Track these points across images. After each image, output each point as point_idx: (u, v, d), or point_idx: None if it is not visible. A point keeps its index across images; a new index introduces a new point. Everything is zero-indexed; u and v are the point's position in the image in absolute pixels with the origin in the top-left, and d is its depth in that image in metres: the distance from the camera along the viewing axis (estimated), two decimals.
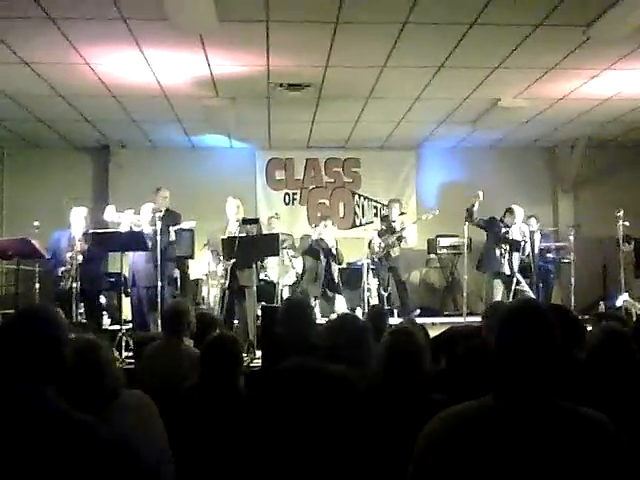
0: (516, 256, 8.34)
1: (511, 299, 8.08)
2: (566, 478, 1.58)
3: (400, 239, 8.92)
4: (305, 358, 2.86)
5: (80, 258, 7.10)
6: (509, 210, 8.49)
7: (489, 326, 3.95)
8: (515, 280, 8.23)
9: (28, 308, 2.01)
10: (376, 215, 11.02)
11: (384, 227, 9.05)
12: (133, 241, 7.08)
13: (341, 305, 8.52)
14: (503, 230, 8.31)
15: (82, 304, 7.39)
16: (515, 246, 8.29)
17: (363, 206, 11.25)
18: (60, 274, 7.26)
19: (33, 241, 7.20)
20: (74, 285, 7.03)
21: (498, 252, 8.27)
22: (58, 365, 1.85)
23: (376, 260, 8.81)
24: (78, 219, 7.41)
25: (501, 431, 1.63)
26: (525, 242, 8.35)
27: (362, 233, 9.80)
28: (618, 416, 1.74)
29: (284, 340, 3.30)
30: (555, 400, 1.68)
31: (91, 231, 7.25)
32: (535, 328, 1.71)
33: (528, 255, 8.52)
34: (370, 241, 8.79)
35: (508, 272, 8.22)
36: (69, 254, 7.22)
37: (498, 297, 8.15)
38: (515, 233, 8.34)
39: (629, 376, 2.75)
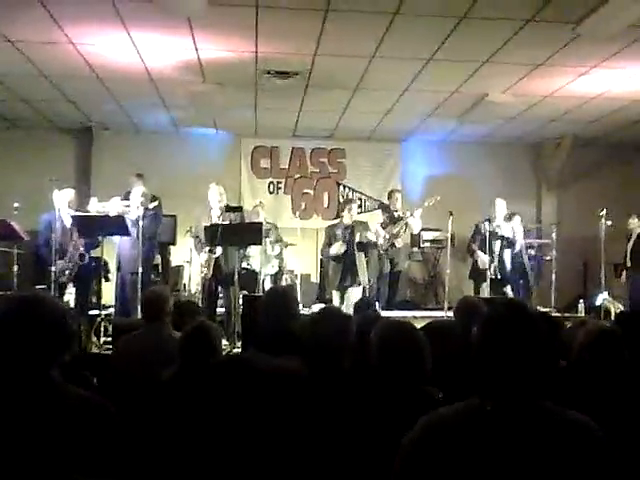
0: (507, 254, 8.35)
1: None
2: None
3: (406, 227, 8.90)
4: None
5: (81, 257, 7.07)
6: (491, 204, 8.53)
7: (463, 322, 3.94)
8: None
9: (25, 294, 2.01)
10: (360, 207, 11.01)
11: (386, 218, 9.01)
12: (114, 226, 7.03)
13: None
14: (489, 229, 8.34)
15: (74, 289, 7.33)
16: (506, 243, 8.32)
17: (348, 197, 11.19)
18: (58, 271, 7.04)
19: (12, 223, 7.10)
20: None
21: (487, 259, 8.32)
22: (61, 348, 1.88)
23: (381, 252, 8.74)
24: (64, 202, 7.24)
25: (489, 433, 1.62)
26: (516, 239, 8.37)
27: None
28: (608, 419, 1.74)
29: (265, 330, 3.27)
30: (542, 402, 1.66)
31: (72, 214, 7.16)
32: (522, 329, 1.69)
33: (519, 252, 8.56)
34: (375, 232, 8.67)
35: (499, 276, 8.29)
36: (69, 251, 7.10)
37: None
38: (505, 230, 8.37)
39: (619, 378, 2.74)
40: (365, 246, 8.00)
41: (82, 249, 7.14)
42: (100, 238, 7.25)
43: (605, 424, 1.69)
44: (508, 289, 8.43)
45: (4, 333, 1.83)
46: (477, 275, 8.57)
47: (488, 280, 8.20)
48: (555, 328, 3.19)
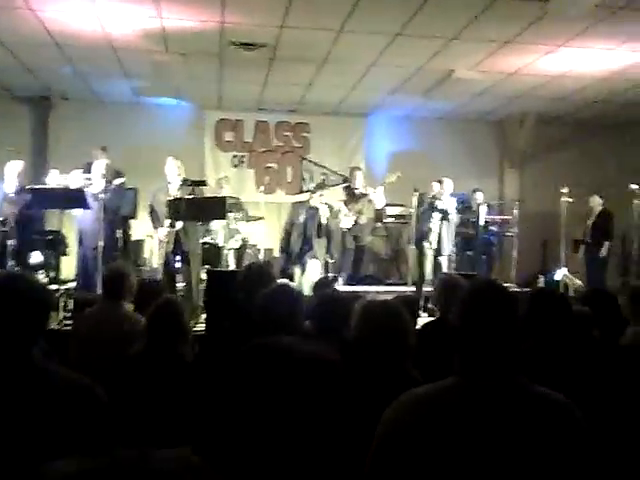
0: (445, 227, 8.42)
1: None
2: (529, 459, 1.58)
3: (369, 203, 8.90)
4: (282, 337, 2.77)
5: (13, 219, 6.89)
6: (439, 182, 8.58)
7: (444, 300, 3.97)
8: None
9: (7, 274, 2.09)
10: (324, 182, 10.96)
11: (348, 196, 8.98)
12: (74, 199, 6.88)
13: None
14: (429, 202, 8.45)
15: (14, 262, 7.15)
16: (444, 215, 8.41)
17: (312, 171, 11.13)
18: None
19: None
20: (9, 243, 6.82)
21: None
22: (42, 327, 1.88)
23: (345, 230, 8.74)
24: (12, 173, 7.11)
25: (469, 410, 1.62)
26: (449, 212, 8.44)
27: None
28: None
29: (243, 306, 3.26)
30: (519, 379, 1.68)
31: (29, 187, 6.99)
32: (500, 307, 1.71)
33: (457, 225, 8.66)
34: (338, 211, 8.70)
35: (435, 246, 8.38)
36: (4, 211, 6.94)
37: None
38: (445, 204, 8.45)
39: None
40: (327, 229, 8.13)
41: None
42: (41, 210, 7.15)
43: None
44: (443, 260, 8.49)
45: None
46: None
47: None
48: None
